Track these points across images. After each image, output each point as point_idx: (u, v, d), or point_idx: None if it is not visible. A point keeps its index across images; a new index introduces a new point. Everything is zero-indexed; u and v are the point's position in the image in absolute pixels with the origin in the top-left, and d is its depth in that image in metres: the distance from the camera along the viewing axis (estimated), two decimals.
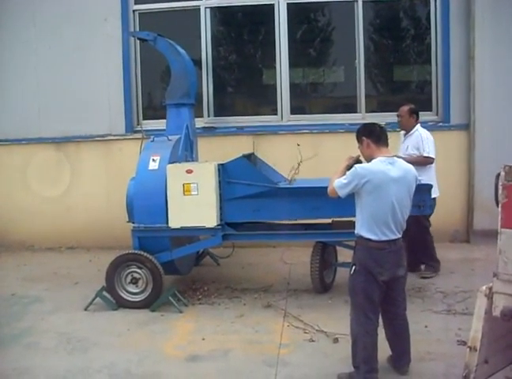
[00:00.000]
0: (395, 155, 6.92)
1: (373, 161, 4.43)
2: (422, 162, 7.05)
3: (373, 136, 4.51)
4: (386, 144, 4.54)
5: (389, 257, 4.38)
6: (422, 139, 7.16)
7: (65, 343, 5.58)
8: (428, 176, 7.08)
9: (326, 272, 6.85)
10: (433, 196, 7.11)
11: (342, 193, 4.46)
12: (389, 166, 4.38)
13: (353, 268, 4.45)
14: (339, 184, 4.46)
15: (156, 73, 9.75)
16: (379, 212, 4.33)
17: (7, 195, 9.77)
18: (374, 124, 4.74)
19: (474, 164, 8.73)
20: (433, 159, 7.20)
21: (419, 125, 7.35)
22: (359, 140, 4.61)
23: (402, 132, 7.46)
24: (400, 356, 4.68)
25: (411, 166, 4.60)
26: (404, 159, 6.92)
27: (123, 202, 6.79)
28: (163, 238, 6.52)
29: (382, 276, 4.35)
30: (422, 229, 7.23)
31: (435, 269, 7.39)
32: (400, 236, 4.46)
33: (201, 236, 6.94)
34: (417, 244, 7.25)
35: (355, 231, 4.49)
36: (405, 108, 7.39)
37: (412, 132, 7.28)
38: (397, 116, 7.46)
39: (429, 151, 7.13)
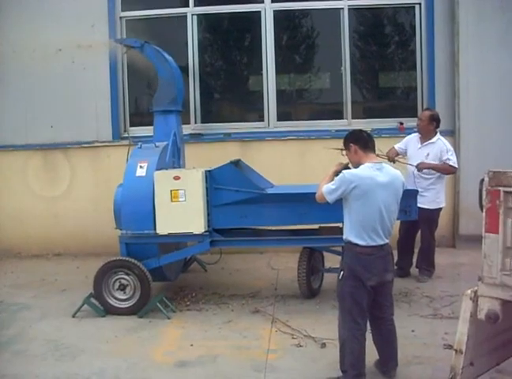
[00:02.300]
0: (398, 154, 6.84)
1: (361, 167, 4.47)
2: (447, 170, 7.19)
3: (360, 143, 4.55)
4: (374, 150, 4.60)
5: (377, 262, 4.41)
6: (447, 150, 7.14)
7: (53, 350, 5.56)
8: (441, 185, 7.24)
9: (313, 278, 6.88)
10: (440, 206, 7.22)
11: (330, 198, 4.50)
12: (376, 172, 4.41)
13: (341, 273, 4.48)
14: (327, 189, 4.50)
15: (143, 80, 9.76)
16: (367, 218, 4.37)
17: None
18: (361, 130, 4.78)
19: (459, 170, 8.79)
20: (457, 169, 7.34)
21: (439, 134, 7.33)
22: (346, 146, 4.64)
23: (414, 135, 7.45)
24: (388, 360, 4.70)
25: (398, 172, 4.64)
26: (429, 164, 7.06)
27: (111, 209, 6.78)
28: (151, 244, 6.51)
29: (369, 281, 4.38)
30: (431, 234, 7.34)
31: (431, 274, 7.41)
32: (387, 241, 4.49)
33: (189, 242, 6.96)
34: (422, 248, 7.41)
35: (344, 237, 4.53)
36: (427, 113, 7.38)
37: (433, 140, 7.24)
38: (418, 119, 7.44)
39: (455, 161, 7.18)
